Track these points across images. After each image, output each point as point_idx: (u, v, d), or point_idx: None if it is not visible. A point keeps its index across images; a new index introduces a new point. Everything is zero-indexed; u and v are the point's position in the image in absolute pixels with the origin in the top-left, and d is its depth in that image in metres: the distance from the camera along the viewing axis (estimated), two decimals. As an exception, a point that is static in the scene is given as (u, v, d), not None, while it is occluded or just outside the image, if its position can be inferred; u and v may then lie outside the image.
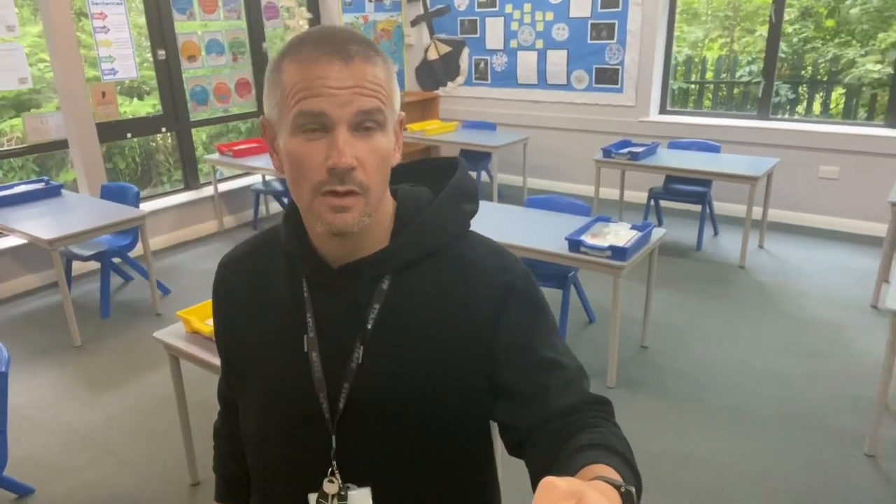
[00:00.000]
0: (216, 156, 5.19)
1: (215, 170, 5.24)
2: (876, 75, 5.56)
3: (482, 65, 6.30)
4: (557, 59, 5.81)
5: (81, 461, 2.58)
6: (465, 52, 6.37)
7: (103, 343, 3.50)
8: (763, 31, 6.64)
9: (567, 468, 0.69)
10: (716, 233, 4.80)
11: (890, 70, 5.24)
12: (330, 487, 0.89)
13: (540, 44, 5.88)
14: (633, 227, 2.95)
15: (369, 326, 0.86)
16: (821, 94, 6.27)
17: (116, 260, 4.08)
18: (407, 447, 0.88)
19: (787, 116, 5.59)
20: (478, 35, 6.23)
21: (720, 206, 5.03)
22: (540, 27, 5.82)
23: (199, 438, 2.41)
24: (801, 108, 6.19)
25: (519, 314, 0.87)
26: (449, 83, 6.59)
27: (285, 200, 5.39)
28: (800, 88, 6.21)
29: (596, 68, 5.62)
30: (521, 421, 0.83)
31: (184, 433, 2.37)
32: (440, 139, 5.66)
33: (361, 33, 0.79)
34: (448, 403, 0.87)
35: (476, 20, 6.18)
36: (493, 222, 3.24)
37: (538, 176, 6.05)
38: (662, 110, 5.61)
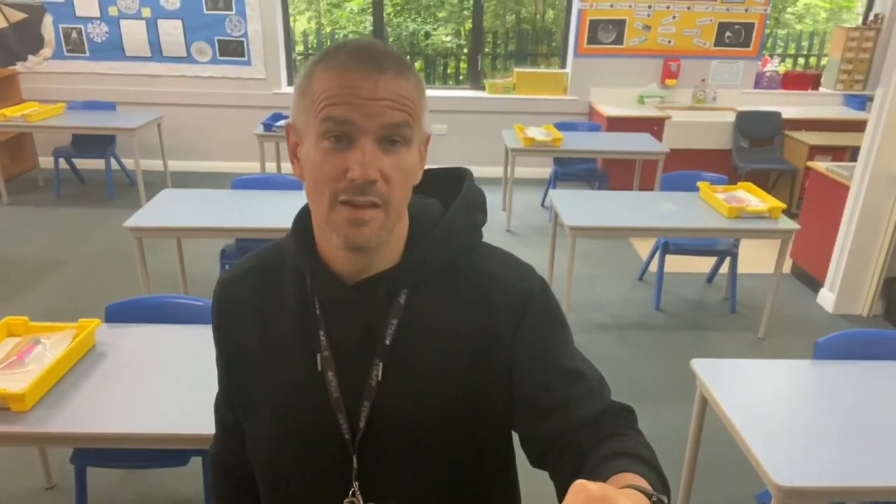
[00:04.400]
0: None
1: None
2: (450, 45, 6.82)
3: (74, 34, 5.43)
4: (172, 30, 5.42)
5: None
6: (48, 19, 5.37)
7: None
8: (354, 6, 7.38)
9: (596, 476, 0.69)
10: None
11: (459, 41, 6.50)
12: None
13: (147, 12, 5.37)
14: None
15: (388, 342, 0.85)
16: (405, 62, 7.35)
17: None
18: (429, 462, 0.88)
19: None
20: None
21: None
22: (145, -6, 5.32)
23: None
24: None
25: (538, 324, 0.87)
26: (30, 57, 5.48)
27: None
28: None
29: (218, 40, 5.46)
30: (545, 432, 0.82)
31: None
32: (47, 124, 4.76)
33: (396, 50, 0.81)
34: (470, 417, 0.87)
35: (57, -18, 5.26)
36: (202, 209, 3.08)
37: (177, 157, 5.63)
38: (290, 82, 5.82)
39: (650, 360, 3.16)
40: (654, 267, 3.76)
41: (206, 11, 5.38)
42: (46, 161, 5.33)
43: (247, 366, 0.92)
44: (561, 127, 4.84)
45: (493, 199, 5.19)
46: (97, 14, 5.37)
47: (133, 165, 4.85)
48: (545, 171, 5.43)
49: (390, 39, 7.04)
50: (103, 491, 2.24)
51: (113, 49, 5.46)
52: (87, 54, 5.48)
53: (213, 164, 5.78)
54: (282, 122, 4.65)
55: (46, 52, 5.47)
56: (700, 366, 1.88)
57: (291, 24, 7.05)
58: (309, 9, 7.97)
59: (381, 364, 0.85)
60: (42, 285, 3.69)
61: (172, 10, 5.37)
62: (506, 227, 4.66)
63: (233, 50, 5.49)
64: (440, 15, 7.43)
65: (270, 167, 5.05)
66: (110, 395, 1.68)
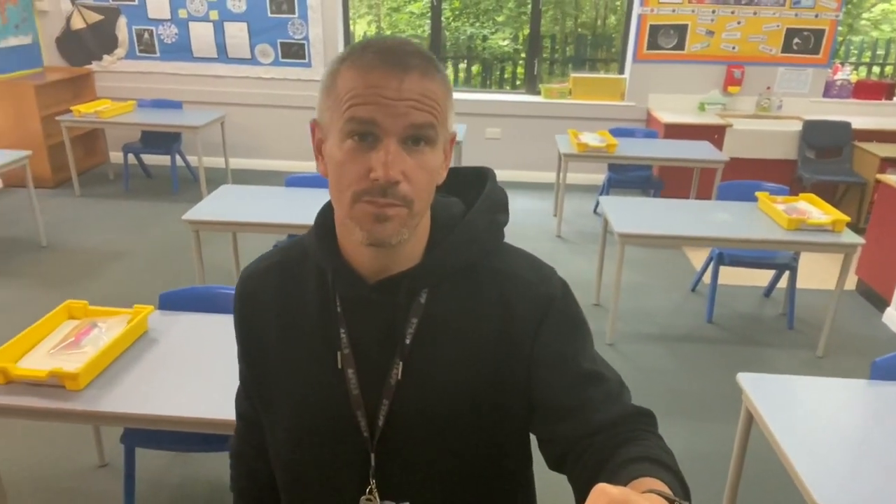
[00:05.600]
0: None
1: None
2: (507, 50, 6.82)
3: (146, 36, 5.68)
4: (237, 32, 5.60)
5: None
6: (122, 20, 5.64)
7: None
8: (415, 9, 7.47)
9: (616, 480, 0.69)
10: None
11: (516, 46, 6.49)
12: None
13: (215, 15, 5.57)
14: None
15: (408, 341, 0.85)
16: (462, 65, 7.37)
17: None
18: (447, 462, 0.88)
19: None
20: (135, 2, 5.57)
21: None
22: (213, -3, 5.52)
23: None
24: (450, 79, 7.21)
25: (559, 326, 0.86)
26: (105, 56, 5.77)
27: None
28: (450, 62, 7.21)
29: (281, 42, 5.61)
30: (564, 434, 0.82)
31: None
32: (118, 121, 5.00)
33: (424, 48, 0.79)
34: (488, 418, 0.87)
35: (132, -15, 5.52)
36: (258, 205, 3.17)
37: (238, 156, 5.82)
38: (348, 83, 5.92)
39: (698, 373, 3.07)
40: (708, 278, 3.65)
41: (269, 15, 5.54)
42: (117, 156, 5.60)
43: (268, 361, 0.92)
44: (616, 133, 4.76)
45: (544, 204, 5.16)
46: (168, 16, 5.60)
47: (196, 162, 5.05)
48: (600, 177, 5.36)
49: (448, 44, 7.09)
50: (151, 472, 2.33)
51: (181, 50, 5.69)
52: (158, 55, 5.72)
53: (271, 163, 5.94)
54: (338, 123, 4.74)
55: (120, 52, 5.75)
56: (747, 380, 1.82)
57: (351, 27, 7.20)
58: (369, 12, 8.10)
59: (400, 363, 0.85)
60: (106, 273, 3.87)
61: (238, 13, 5.55)
62: (556, 232, 4.61)
63: (294, 52, 5.63)
64: (498, 19, 7.43)
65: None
66: (159, 379, 1.75)
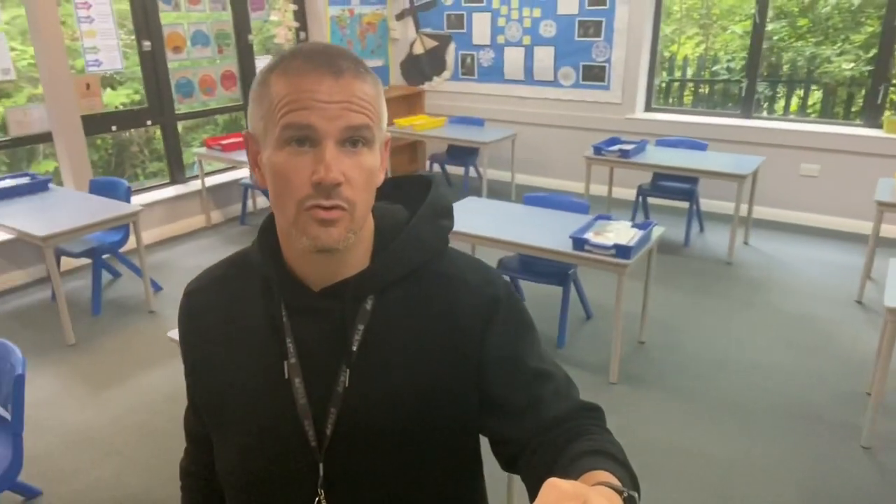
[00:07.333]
0: (204, 150, 5.11)
1: (202, 164, 5.16)
2: (849, 73, 5.74)
3: (468, 60, 6.31)
4: (544, 56, 5.85)
5: (87, 462, 2.55)
6: (452, 46, 6.36)
7: (97, 341, 3.44)
8: (738, 28, 6.80)
9: (567, 475, 0.68)
10: (701, 229, 4.91)
11: (864, 69, 5.41)
12: None
13: (527, 40, 5.90)
14: (634, 226, 3.00)
15: (354, 348, 0.84)
16: (799, 92, 6.42)
17: (105, 256, 4.00)
18: (397, 471, 0.86)
19: (767, 115, 5.72)
20: (464, 30, 6.23)
21: (704, 203, 5.13)
22: (527, 23, 5.85)
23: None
24: (779, 107, 6.34)
25: (506, 327, 0.87)
26: (435, 78, 6.58)
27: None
28: (777, 87, 6.36)
29: (583, 65, 5.67)
30: (516, 434, 0.83)
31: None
32: (428, 134, 5.67)
33: (352, 51, 0.79)
34: (438, 422, 0.86)
35: (463, 15, 6.18)
36: (493, 219, 3.27)
37: (526, 172, 6.10)
38: (648, 108, 5.69)
39: None
40: None
41: (576, 38, 5.64)
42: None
43: (215, 375, 0.92)
44: (975, 181, 3.64)
45: (855, 260, 4.21)
46: (488, 42, 6.13)
47: (491, 175, 5.43)
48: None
49: (785, 67, 6.27)
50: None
51: (495, 73, 6.17)
52: (475, 77, 6.30)
53: (553, 182, 6.02)
54: (614, 147, 4.60)
55: (447, 74, 6.49)
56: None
57: (674, 49, 6.87)
58: (700, 33, 7.60)
59: (347, 370, 0.84)
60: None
61: (548, 37, 5.78)
62: (856, 297, 3.73)
63: (594, 75, 5.64)
64: (855, 39, 6.26)
65: (599, 190, 5.05)
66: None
